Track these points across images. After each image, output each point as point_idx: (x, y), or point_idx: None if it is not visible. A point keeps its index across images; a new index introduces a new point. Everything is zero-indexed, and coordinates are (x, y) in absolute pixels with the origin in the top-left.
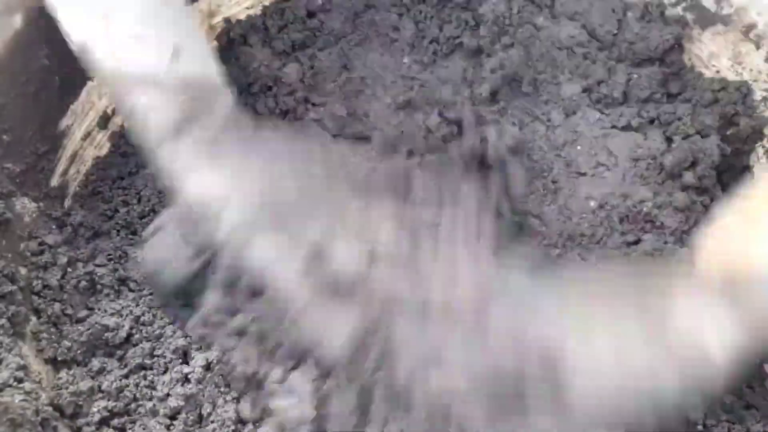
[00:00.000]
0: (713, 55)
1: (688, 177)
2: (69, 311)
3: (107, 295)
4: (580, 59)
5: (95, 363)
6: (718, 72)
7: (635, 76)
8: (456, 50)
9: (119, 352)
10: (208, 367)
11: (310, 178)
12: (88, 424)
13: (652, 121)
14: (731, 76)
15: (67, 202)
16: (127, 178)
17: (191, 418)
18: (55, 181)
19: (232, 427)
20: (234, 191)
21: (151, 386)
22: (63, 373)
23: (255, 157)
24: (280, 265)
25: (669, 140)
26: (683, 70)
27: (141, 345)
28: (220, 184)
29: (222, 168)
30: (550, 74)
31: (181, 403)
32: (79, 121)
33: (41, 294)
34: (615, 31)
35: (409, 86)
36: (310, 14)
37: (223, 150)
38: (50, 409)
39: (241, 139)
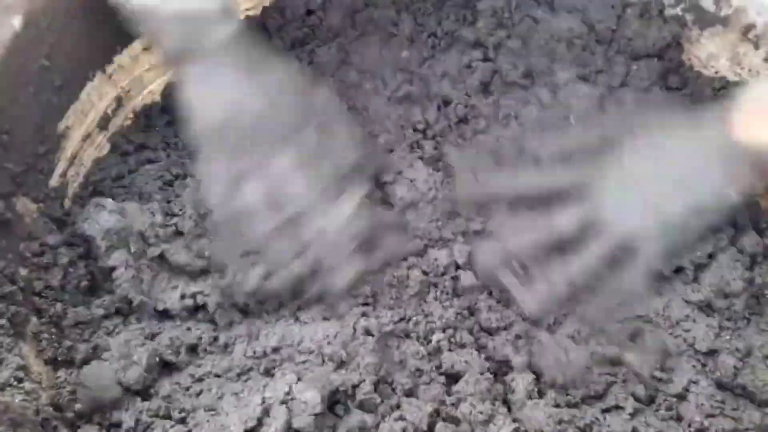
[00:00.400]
0: (712, 55)
1: None
2: (70, 311)
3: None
4: (579, 50)
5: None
6: (717, 72)
7: (635, 68)
8: (454, 44)
9: None
10: None
11: (273, 112)
12: (85, 421)
13: None
14: (730, 77)
15: (67, 203)
16: (126, 177)
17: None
18: (54, 182)
19: None
20: (209, 105)
21: None
22: (61, 372)
23: (237, 82)
24: (210, 181)
25: None
26: (682, 69)
27: None
28: (201, 98)
29: (209, 84)
30: (546, 65)
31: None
32: (79, 122)
33: (42, 294)
34: (614, 27)
35: (407, 80)
36: (309, 12)
37: (213, 72)
38: (50, 409)
39: (232, 65)
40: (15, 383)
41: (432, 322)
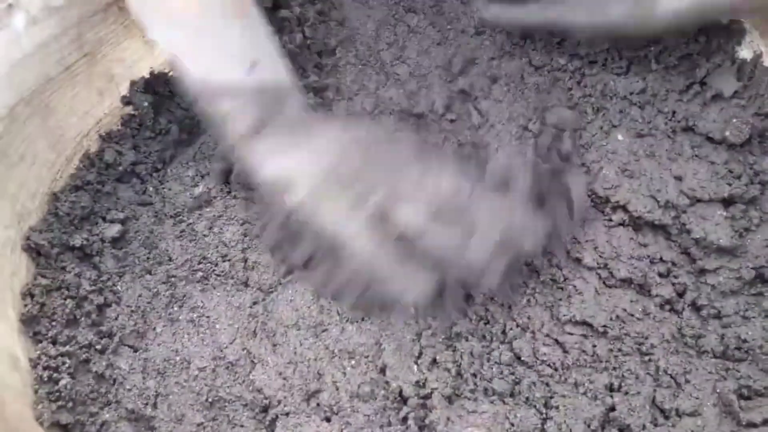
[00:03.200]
0: None
1: None
2: None
3: None
4: None
5: None
6: None
7: None
8: None
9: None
10: None
11: (371, 151)
12: None
13: None
14: None
15: None
16: None
17: None
18: None
19: None
20: (304, 167)
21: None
22: None
23: (322, 140)
24: (347, 224)
25: None
26: None
27: None
28: (291, 165)
29: (293, 153)
30: None
31: None
32: None
33: None
34: None
35: None
36: None
37: (294, 141)
38: None
39: (310, 132)
40: None
41: None
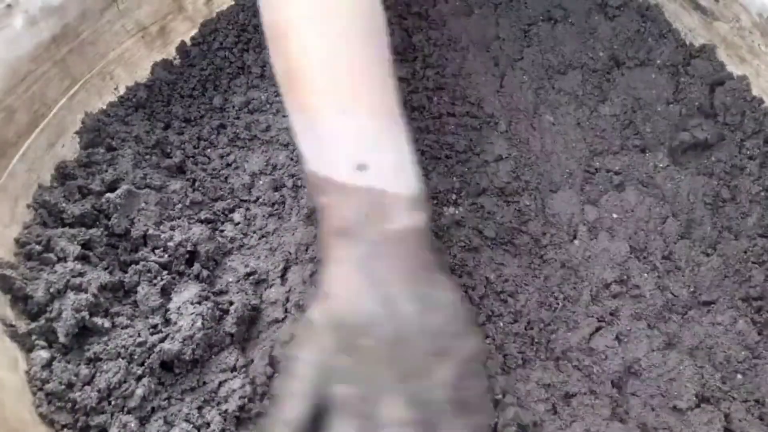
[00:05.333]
0: None
1: None
2: None
3: None
4: None
5: None
6: None
7: None
8: None
9: None
10: None
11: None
12: None
13: None
14: None
15: None
16: None
17: None
18: None
19: None
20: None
21: None
22: None
23: (391, 285)
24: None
25: None
26: None
27: None
28: (342, 283)
29: (360, 274)
30: None
31: None
32: None
33: None
34: None
35: None
36: None
37: (373, 263)
38: None
39: (398, 263)
40: None
41: None
